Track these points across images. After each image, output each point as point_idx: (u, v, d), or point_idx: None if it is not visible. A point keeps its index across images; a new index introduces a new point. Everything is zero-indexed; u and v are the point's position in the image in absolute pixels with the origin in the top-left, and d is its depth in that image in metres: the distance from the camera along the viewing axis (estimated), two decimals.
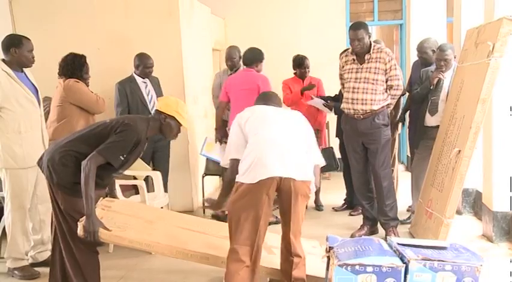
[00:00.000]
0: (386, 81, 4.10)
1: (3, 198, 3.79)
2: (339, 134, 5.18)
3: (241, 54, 4.97)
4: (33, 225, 3.83)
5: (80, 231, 2.84)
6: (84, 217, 2.81)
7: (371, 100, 4.07)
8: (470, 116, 3.70)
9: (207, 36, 6.30)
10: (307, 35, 7.12)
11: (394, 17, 7.45)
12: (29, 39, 3.71)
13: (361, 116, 4.14)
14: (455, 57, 4.34)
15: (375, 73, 4.07)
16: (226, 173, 2.99)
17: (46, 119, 4.08)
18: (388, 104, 4.19)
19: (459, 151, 3.75)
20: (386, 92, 4.13)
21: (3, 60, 3.64)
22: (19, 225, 3.69)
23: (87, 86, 4.25)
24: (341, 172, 5.38)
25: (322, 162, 3.06)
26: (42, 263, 3.88)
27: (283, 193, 2.74)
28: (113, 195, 3.48)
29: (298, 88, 5.21)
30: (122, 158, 2.91)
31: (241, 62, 5.03)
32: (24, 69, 3.75)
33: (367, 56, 4.10)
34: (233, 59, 5.03)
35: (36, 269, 3.80)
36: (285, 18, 7.25)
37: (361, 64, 4.13)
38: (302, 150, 2.85)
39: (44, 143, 3.80)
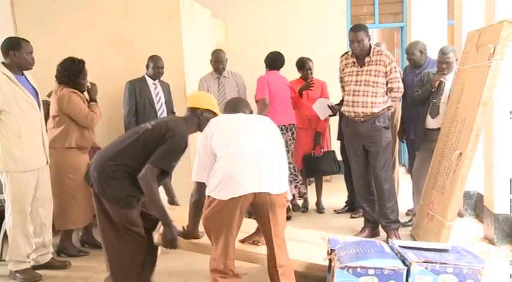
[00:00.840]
0: (387, 84, 4.11)
1: (4, 201, 3.79)
2: (340, 136, 5.18)
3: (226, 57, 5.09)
4: (34, 228, 3.83)
5: (157, 240, 2.95)
6: (161, 227, 2.94)
7: (371, 103, 4.08)
8: (471, 119, 3.70)
9: (208, 38, 6.31)
10: (308, 38, 7.12)
11: (395, 19, 7.46)
12: (27, 41, 3.70)
13: (362, 119, 4.14)
14: (456, 60, 4.34)
15: (375, 76, 4.07)
16: (192, 195, 2.86)
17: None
18: (389, 107, 4.20)
19: (460, 154, 3.75)
20: (386, 94, 4.14)
21: (3, 63, 3.64)
22: (20, 228, 3.69)
23: (83, 91, 4.18)
24: (342, 175, 5.38)
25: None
26: (44, 266, 3.89)
27: (258, 207, 2.67)
28: (174, 202, 3.54)
29: (304, 91, 5.22)
30: (174, 164, 2.96)
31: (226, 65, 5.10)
32: (24, 72, 3.75)
33: (367, 59, 4.11)
34: (223, 62, 5.04)
35: (37, 271, 3.80)
36: (285, 21, 7.26)
37: (361, 67, 4.14)
38: (276, 160, 2.74)
39: (44, 146, 3.79)
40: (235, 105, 3.02)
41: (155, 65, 4.72)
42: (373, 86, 4.07)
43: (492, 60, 3.60)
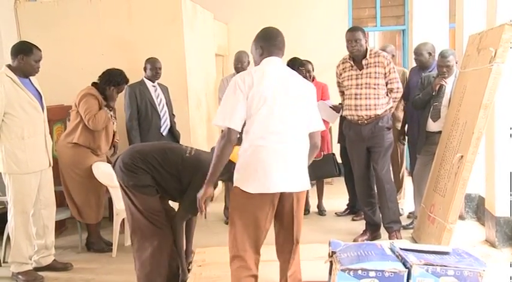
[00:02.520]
0: (386, 85, 4.12)
1: (6, 202, 3.81)
2: (341, 139, 5.19)
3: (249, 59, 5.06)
4: (36, 230, 3.85)
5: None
6: None
7: (375, 105, 4.09)
8: (472, 122, 3.71)
9: (210, 41, 6.33)
10: (309, 41, 7.13)
11: (397, 22, 7.47)
12: (39, 49, 3.74)
13: (366, 121, 4.14)
14: (456, 63, 4.35)
15: (375, 78, 4.08)
16: (219, 145, 2.53)
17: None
18: (390, 108, 4.22)
19: (461, 156, 3.76)
20: (387, 95, 4.15)
21: (9, 66, 3.67)
22: (22, 229, 3.71)
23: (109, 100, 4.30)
24: (343, 177, 5.38)
25: (322, 127, 2.75)
26: (46, 268, 3.90)
27: (284, 203, 2.57)
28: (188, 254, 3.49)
29: None
30: None
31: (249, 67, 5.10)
32: None
33: (364, 61, 4.10)
34: (243, 63, 5.08)
35: (39, 273, 3.81)
36: (287, 24, 7.22)
37: (360, 70, 4.13)
38: (302, 150, 2.59)
39: (47, 149, 3.82)
40: (273, 42, 2.70)
41: (153, 66, 4.73)
42: (375, 88, 4.08)
43: (493, 63, 3.61)
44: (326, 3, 7.29)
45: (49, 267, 3.92)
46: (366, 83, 4.09)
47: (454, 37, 5.50)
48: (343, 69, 4.26)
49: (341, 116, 4.58)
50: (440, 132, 4.30)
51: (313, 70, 5.21)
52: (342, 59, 4.34)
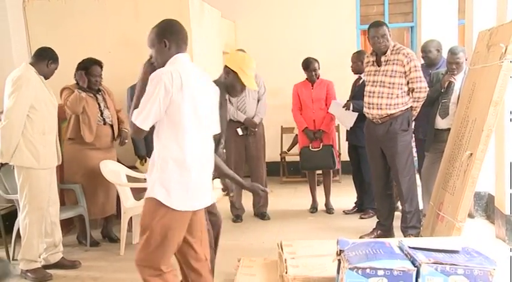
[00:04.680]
0: (408, 84, 3.99)
1: (16, 201, 3.83)
2: (349, 138, 5.16)
3: None
4: (45, 227, 3.86)
5: None
6: None
7: (386, 105, 3.98)
8: (482, 119, 3.67)
9: (217, 39, 6.32)
10: (317, 38, 7.11)
11: (405, 19, 7.42)
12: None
13: (379, 121, 4.05)
14: (466, 60, 4.31)
15: (391, 76, 3.96)
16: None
17: None
18: (411, 107, 4.06)
19: (471, 154, 3.72)
20: (408, 95, 4.01)
21: (31, 64, 3.75)
22: (36, 227, 3.72)
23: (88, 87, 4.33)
24: (351, 175, 5.36)
25: (218, 131, 2.63)
26: (54, 265, 3.92)
27: (197, 217, 2.50)
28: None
29: (307, 92, 5.21)
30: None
31: None
32: None
33: (383, 58, 3.99)
34: None
35: (48, 271, 3.83)
36: (295, 21, 7.25)
37: (379, 66, 4.03)
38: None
39: (57, 147, 3.90)
40: (184, 38, 2.51)
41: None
42: (389, 87, 3.96)
43: (504, 60, 3.56)
44: (334, 0, 7.25)
45: (57, 265, 3.94)
46: (381, 81, 3.99)
47: (463, 34, 5.45)
48: (367, 63, 4.17)
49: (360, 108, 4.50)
50: (448, 129, 4.26)
51: (319, 68, 5.20)
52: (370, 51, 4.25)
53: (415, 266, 2.30)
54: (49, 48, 3.87)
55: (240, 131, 5.00)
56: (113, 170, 4.31)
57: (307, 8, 7.24)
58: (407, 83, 3.98)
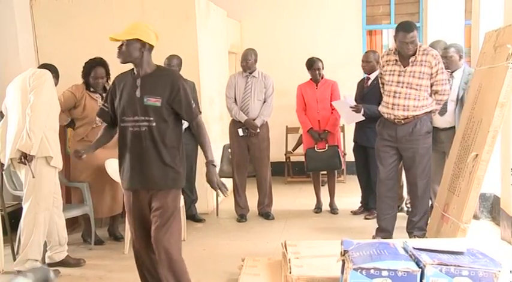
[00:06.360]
0: (431, 86, 3.91)
1: (20, 199, 3.84)
2: (357, 138, 5.13)
3: (257, 57, 5.07)
4: (49, 227, 3.87)
5: None
6: None
7: (413, 106, 3.89)
8: (488, 120, 3.65)
9: (223, 39, 6.33)
10: (323, 38, 7.10)
11: (411, 19, 7.34)
12: None
13: (403, 121, 3.95)
14: (461, 57, 4.29)
15: (419, 78, 3.87)
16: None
17: None
18: (432, 110, 3.99)
19: (476, 155, 3.71)
20: (431, 96, 3.94)
21: (48, 69, 3.87)
22: (43, 227, 3.73)
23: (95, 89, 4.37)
24: (356, 175, 5.36)
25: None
26: (59, 263, 3.93)
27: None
28: None
29: (311, 92, 5.21)
30: None
31: (256, 65, 5.07)
32: None
33: (411, 59, 3.88)
34: (248, 61, 5.04)
35: (52, 269, 3.82)
36: (300, 21, 7.25)
37: (404, 66, 3.91)
38: None
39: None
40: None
41: (169, 64, 4.70)
42: (416, 89, 3.87)
43: (510, 61, 3.54)
44: (340, 0, 7.24)
45: (62, 263, 3.94)
46: (408, 83, 3.88)
47: (469, 34, 5.43)
48: (386, 61, 4.03)
49: (373, 112, 4.47)
50: (447, 129, 4.23)
51: (323, 68, 5.19)
52: (387, 49, 4.17)
53: (419, 267, 2.29)
54: (53, 65, 4.00)
55: (240, 132, 5.00)
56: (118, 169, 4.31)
57: (313, 8, 7.23)
58: (431, 85, 3.91)
